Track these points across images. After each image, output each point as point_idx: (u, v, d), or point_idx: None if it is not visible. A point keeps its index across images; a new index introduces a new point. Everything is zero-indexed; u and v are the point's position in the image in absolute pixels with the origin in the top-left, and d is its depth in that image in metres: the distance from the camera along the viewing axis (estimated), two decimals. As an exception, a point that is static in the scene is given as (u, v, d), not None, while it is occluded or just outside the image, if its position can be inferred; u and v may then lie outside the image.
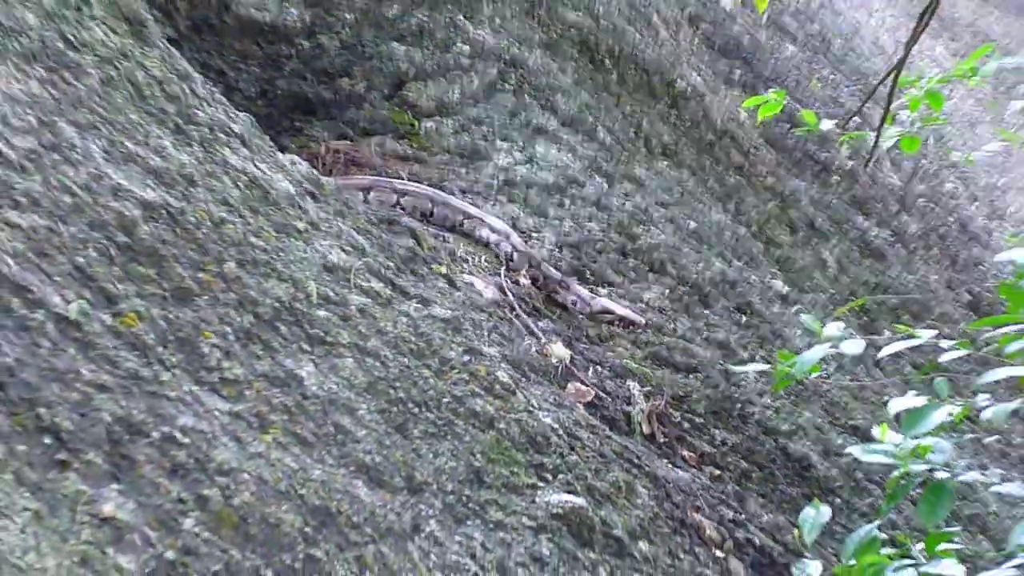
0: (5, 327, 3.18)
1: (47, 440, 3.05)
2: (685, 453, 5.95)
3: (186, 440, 3.43)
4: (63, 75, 4.00)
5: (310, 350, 4.17)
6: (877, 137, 7.92)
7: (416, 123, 7.19)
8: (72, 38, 4.15)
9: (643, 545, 4.96)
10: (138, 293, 3.67)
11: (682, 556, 5.17)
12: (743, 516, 5.77)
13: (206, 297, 3.91)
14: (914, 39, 7.48)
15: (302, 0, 7.39)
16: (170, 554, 3.11)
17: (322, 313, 4.36)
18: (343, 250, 4.79)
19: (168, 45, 4.78)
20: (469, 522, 4.19)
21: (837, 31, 13.42)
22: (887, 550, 5.21)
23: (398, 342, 4.62)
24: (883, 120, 7.81)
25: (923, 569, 5.04)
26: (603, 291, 6.62)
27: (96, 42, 4.26)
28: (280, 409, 3.84)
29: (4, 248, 3.33)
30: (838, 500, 6.28)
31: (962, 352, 5.46)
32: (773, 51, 11.54)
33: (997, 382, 5.05)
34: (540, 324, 5.97)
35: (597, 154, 7.62)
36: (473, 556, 4.08)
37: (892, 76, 7.66)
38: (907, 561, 5.10)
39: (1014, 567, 4.89)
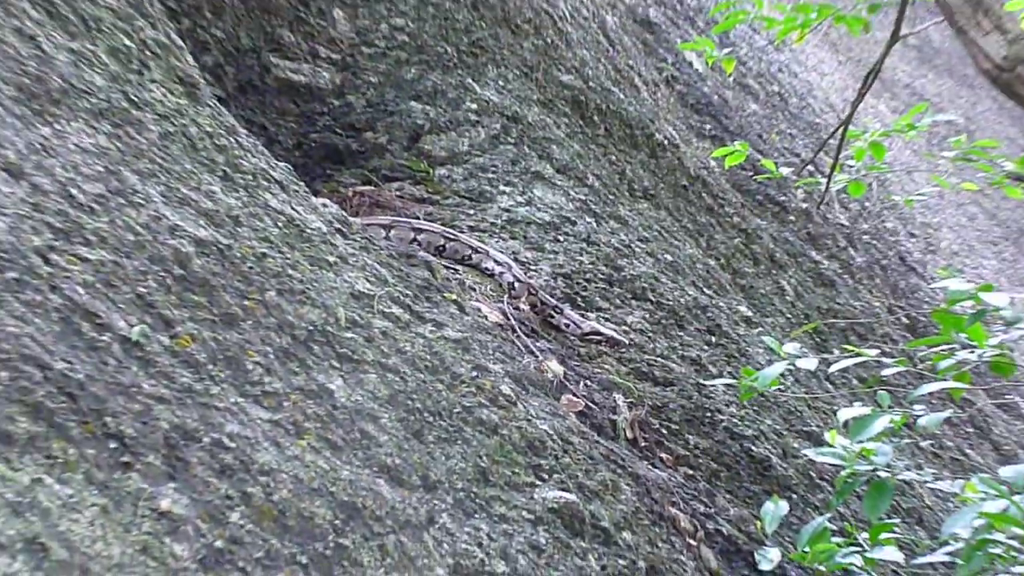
0: (77, 347, 3.19)
1: (113, 445, 3.05)
2: (663, 455, 5.94)
3: (233, 445, 3.44)
4: (127, 130, 4.02)
5: (339, 367, 4.17)
6: (828, 182, 7.95)
7: (431, 170, 7.20)
8: (135, 98, 4.17)
9: (627, 535, 4.96)
10: (191, 318, 3.68)
11: (660, 544, 5.16)
12: (713, 510, 5.76)
13: (250, 321, 3.91)
14: (859, 98, 7.49)
15: (333, 64, 7.40)
16: (219, 543, 3.11)
17: (350, 335, 4.36)
18: (368, 280, 4.80)
19: (217, 104, 4.79)
20: (476, 515, 4.19)
21: (793, 91, 13.44)
22: (836, 539, 5.22)
23: (415, 360, 4.62)
24: (833, 168, 7.84)
25: (867, 555, 5.05)
26: (592, 315, 6.61)
27: (155, 101, 4.28)
28: (313, 418, 3.84)
29: (76, 279, 3.34)
30: (794, 496, 6.26)
31: (901, 368, 5.48)
32: (738, 108, 11.56)
33: (931, 394, 5.06)
34: (538, 344, 5.96)
35: (587, 197, 7.61)
36: (480, 545, 4.08)
37: (841, 130, 7.68)
38: (853, 548, 5.12)
39: (946, 553, 4.90)
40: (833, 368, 5.69)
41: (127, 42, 4.37)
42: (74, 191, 3.59)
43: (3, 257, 3.18)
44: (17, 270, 3.19)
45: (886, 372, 5.58)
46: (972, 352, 4.95)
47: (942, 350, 5.04)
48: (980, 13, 4.35)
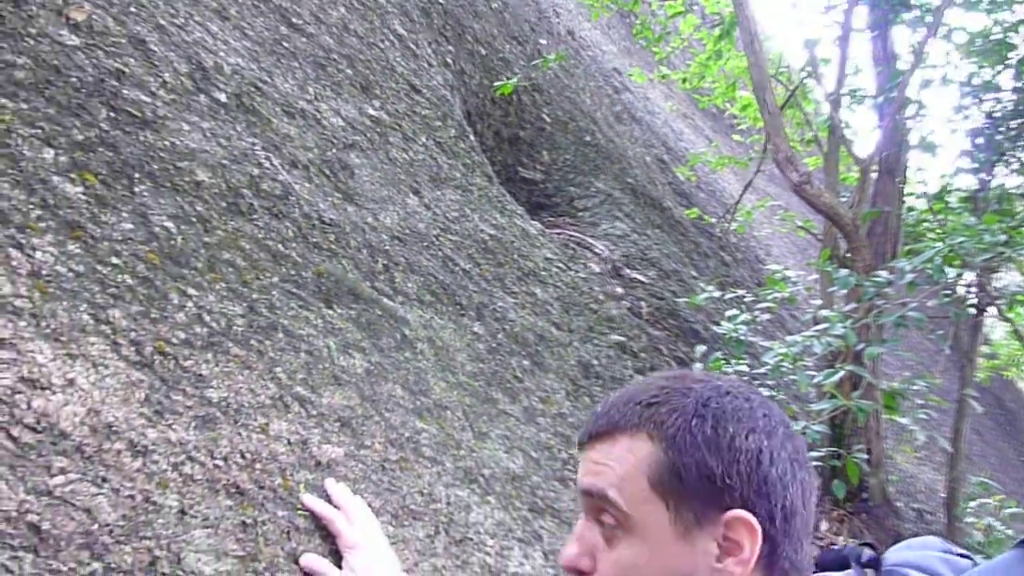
0: (443, 268, 3.28)
1: (457, 307, 3.12)
2: (659, 325, 5.86)
3: (500, 310, 3.49)
4: (466, 194, 4.09)
5: (539, 284, 4.21)
6: (729, 225, 7.68)
7: (576, 214, 7.18)
8: (469, 182, 4.23)
9: (643, 355, 4.90)
10: (486, 263, 3.75)
11: (656, 359, 5.11)
12: (677, 348, 5.67)
13: (506, 267, 3.97)
14: (742, 194, 7.24)
15: (541, 171, 7.39)
16: (494, 344, 3.17)
17: (543, 272, 4.39)
18: (551, 253, 4.81)
19: (499, 185, 4.84)
20: (588, 343, 4.20)
21: (718, 188, 13.00)
22: (723, 360, 5.08)
23: (567, 283, 4.63)
24: (731, 220, 7.58)
25: (735, 367, 4.92)
26: (634, 271, 6.53)
27: (477, 183, 4.34)
28: (528, 304, 3.89)
29: (445, 246, 3.42)
30: (708, 344, 6.12)
31: (752, 298, 5.33)
32: (696, 195, 11.23)
33: (763, 308, 4.91)
34: (613, 281, 5.91)
35: (634, 227, 7.47)
36: (588, 354, 4.10)
37: (735, 206, 7.42)
38: (728, 365, 4.98)
39: (766, 368, 4.78)
40: (726, 296, 5.56)
41: (468, 160, 4.44)
42: (445, 217, 3.68)
43: (422, 238, 3.28)
44: (426, 242, 3.30)
45: (747, 299, 5.47)
46: (779, 293, 4.84)
47: (768, 292, 4.92)
48: (790, 163, 4.19)
